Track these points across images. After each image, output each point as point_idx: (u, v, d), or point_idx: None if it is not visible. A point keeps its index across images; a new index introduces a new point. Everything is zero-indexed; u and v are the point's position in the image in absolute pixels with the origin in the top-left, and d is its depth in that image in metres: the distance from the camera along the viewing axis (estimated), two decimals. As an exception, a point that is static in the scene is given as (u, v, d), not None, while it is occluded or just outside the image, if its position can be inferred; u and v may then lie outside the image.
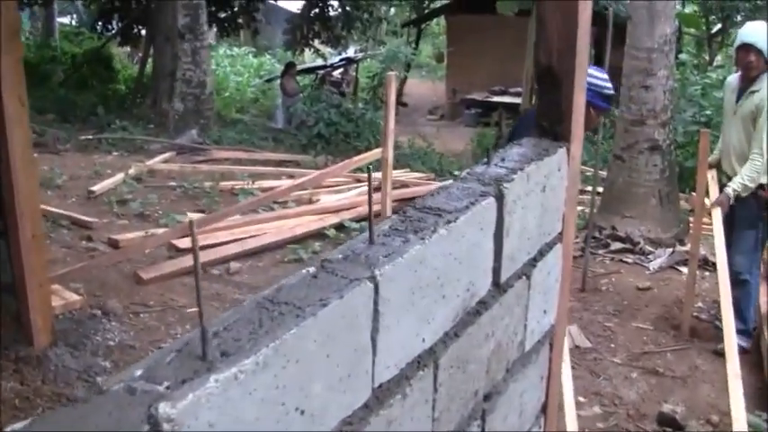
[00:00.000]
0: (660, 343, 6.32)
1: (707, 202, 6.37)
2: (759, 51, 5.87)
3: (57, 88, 17.13)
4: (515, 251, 2.34)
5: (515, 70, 17.67)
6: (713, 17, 24.27)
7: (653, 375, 5.78)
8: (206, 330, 1.16)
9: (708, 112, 12.76)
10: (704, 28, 23.98)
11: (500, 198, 2.16)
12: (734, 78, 6.40)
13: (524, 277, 2.44)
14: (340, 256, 1.66)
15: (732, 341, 4.82)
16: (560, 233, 2.76)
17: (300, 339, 1.30)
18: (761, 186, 5.94)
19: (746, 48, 5.95)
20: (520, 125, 5.19)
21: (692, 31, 23.08)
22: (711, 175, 6.46)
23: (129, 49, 23.01)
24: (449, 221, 1.90)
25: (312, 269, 1.58)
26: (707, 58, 22.45)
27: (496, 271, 2.22)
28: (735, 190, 5.91)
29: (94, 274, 6.36)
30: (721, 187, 6.22)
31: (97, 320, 5.55)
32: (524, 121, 5.15)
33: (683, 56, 15.38)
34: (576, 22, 2.57)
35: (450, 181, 2.22)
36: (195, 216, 8.21)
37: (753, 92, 5.97)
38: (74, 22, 29.82)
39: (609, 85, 4.81)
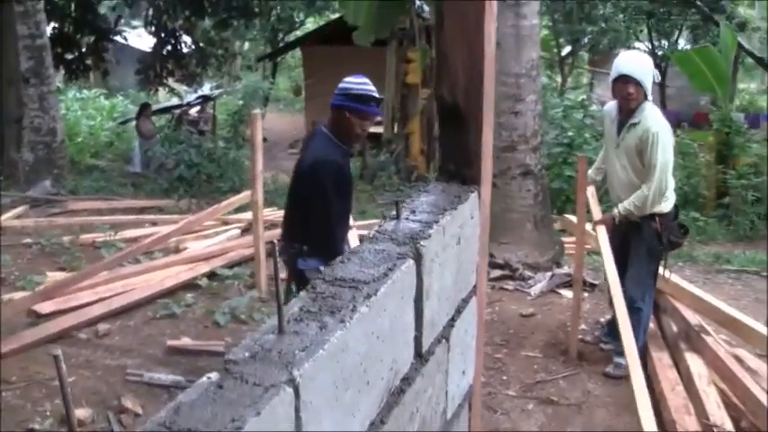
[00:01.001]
0: (551, 370, 6.18)
1: (588, 227, 6.26)
2: (638, 82, 5.72)
3: None
4: (435, 314, 2.08)
5: (375, 100, 17.58)
6: (563, 40, 24.90)
7: (549, 405, 5.62)
8: None
9: (570, 134, 12.93)
10: (555, 50, 24.56)
11: (418, 258, 1.91)
12: (611, 107, 6.16)
13: (444, 341, 2.19)
14: (247, 353, 1.38)
15: (639, 385, 4.59)
16: (474, 286, 2.52)
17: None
18: (653, 218, 5.83)
19: (625, 79, 5.75)
20: (309, 143, 4.97)
21: (544, 54, 23.55)
22: (591, 192, 6.32)
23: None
24: (368, 295, 1.62)
25: (215, 376, 1.29)
26: (559, 80, 22.98)
27: (418, 340, 1.97)
28: (620, 213, 5.79)
29: (-57, 352, 5.79)
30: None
31: (-50, 407, 5.03)
32: (314, 140, 4.95)
33: (542, 79, 15.64)
34: (483, 57, 2.34)
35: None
36: (56, 276, 7.67)
37: (634, 124, 5.78)
38: None
39: (363, 86, 4.72)
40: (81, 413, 4.87)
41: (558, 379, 6.00)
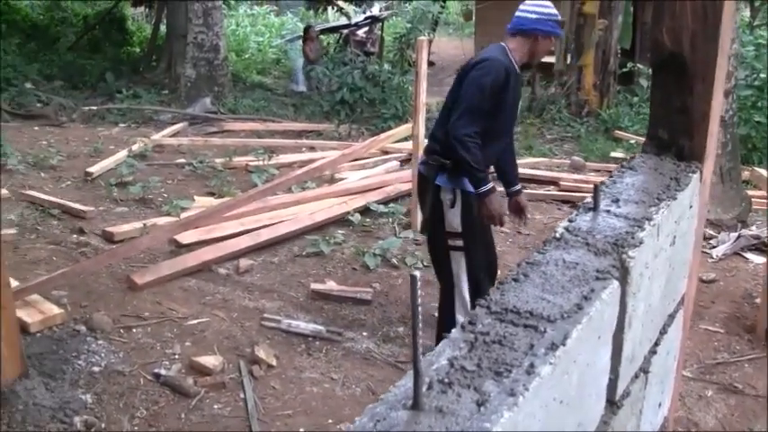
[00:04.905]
0: (734, 350, 5.45)
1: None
2: None
3: (65, 52, 16.29)
4: (636, 346, 1.51)
5: (548, 29, 16.71)
6: (754, -32, 23.01)
7: (731, 393, 4.92)
8: None
9: (763, 75, 11.72)
10: (745, -18, 22.78)
11: (624, 276, 1.34)
12: None
13: (642, 374, 1.62)
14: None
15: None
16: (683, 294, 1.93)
17: None
18: None
19: None
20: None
21: (733, -14, 21.72)
22: None
23: (147, 9, 22.11)
24: (553, 345, 1.07)
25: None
26: (747, 14, 21.25)
27: (612, 385, 1.40)
28: None
29: (81, 278, 5.52)
30: None
31: (81, 339, 4.70)
32: (489, 48, 4.61)
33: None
34: (723, -6, 1.71)
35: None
36: (203, 201, 7.36)
37: None
38: (88, -18, 28.92)
39: (553, 10, 4.60)
40: (210, 360, 4.52)
41: (742, 362, 5.28)
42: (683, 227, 1.70)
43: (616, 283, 1.27)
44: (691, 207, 1.75)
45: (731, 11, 1.74)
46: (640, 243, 1.38)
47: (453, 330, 1.12)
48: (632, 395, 1.55)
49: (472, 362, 1.03)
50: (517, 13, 4.59)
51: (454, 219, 4.42)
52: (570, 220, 1.48)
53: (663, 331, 1.73)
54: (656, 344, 1.69)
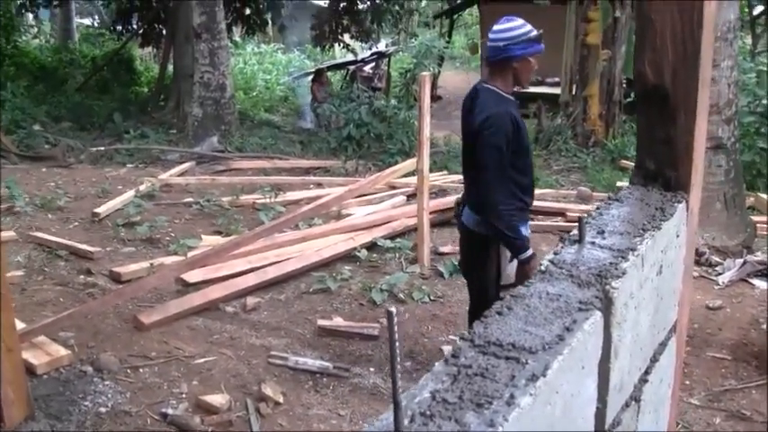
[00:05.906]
0: (742, 377, 5.45)
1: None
2: None
3: (73, 94, 16.47)
4: (625, 375, 1.53)
5: (552, 60, 16.70)
6: (755, -1, 23.05)
7: (739, 420, 4.91)
8: None
9: (765, 102, 11.75)
10: (746, 10, 22.79)
11: (607, 307, 1.36)
12: None
13: (633, 402, 1.64)
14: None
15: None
16: (675, 321, 1.95)
17: None
18: None
19: None
20: (475, 102, 4.51)
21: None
22: None
23: (155, 49, 22.33)
24: (534, 376, 1.09)
25: None
26: (749, 41, 21.29)
27: (600, 414, 1.42)
28: None
29: (88, 319, 5.56)
30: None
31: (87, 380, 4.73)
32: (480, 97, 4.49)
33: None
34: (701, 22, 1.75)
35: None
36: (210, 239, 7.40)
37: None
38: (96, 23, 29.18)
39: (529, 27, 4.41)
40: (217, 399, 4.53)
41: (750, 388, 5.27)
42: (671, 256, 1.72)
43: (599, 314, 1.29)
44: (678, 236, 1.77)
45: (710, 44, 1.78)
46: (623, 273, 1.40)
47: (437, 364, 1.14)
48: (623, 424, 1.57)
49: (454, 394, 1.05)
50: (488, 43, 4.46)
51: (512, 270, 4.38)
52: (555, 253, 1.51)
53: (654, 359, 1.74)
54: (648, 372, 1.70)
